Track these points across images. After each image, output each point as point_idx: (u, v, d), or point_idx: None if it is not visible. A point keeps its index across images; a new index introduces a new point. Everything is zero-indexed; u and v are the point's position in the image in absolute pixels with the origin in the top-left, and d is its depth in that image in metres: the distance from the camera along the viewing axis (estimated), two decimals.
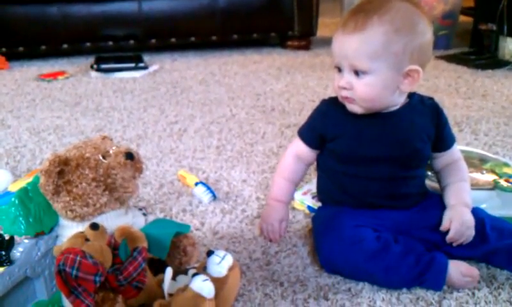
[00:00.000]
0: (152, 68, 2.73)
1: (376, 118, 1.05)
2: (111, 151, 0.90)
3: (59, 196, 0.87)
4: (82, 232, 0.83)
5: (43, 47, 2.90)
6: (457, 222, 1.03)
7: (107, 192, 0.88)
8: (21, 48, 2.87)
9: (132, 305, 0.86)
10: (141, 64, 2.71)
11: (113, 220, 0.89)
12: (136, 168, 0.93)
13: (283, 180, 1.19)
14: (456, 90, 2.32)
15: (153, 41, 3.02)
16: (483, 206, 1.14)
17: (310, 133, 1.14)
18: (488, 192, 1.20)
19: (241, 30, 3.13)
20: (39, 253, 0.89)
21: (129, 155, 0.91)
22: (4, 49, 2.83)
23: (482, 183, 1.24)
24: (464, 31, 3.28)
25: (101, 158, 0.88)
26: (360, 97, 1.01)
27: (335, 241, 1.02)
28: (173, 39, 3.04)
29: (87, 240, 0.82)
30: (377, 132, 1.06)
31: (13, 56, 2.86)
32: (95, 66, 2.67)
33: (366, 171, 1.07)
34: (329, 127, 1.09)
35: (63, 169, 0.86)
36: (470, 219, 1.04)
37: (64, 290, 0.77)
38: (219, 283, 0.89)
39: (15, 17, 2.81)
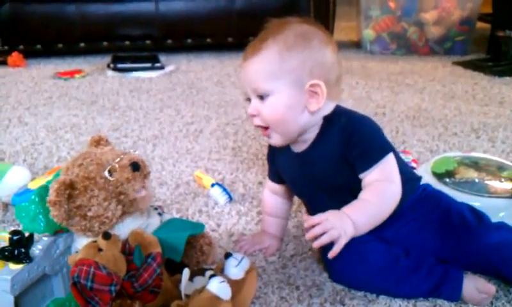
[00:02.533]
0: (168, 69, 2.73)
1: (295, 157, 1.05)
2: (116, 165, 0.87)
3: (73, 220, 0.85)
4: (95, 241, 0.83)
5: (60, 45, 2.92)
6: (324, 215, 0.93)
7: (120, 206, 0.86)
8: (38, 46, 2.90)
9: None
10: (158, 64, 2.72)
11: (129, 224, 0.89)
12: (144, 176, 0.90)
13: (266, 215, 1.19)
14: (472, 97, 2.30)
15: (170, 41, 3.03)
16: (501, 214, 1.13)
17: (270, 167, 1.17)
18: (507, 201, 1.19)
19: (257, 32, 3.10)
20: (58, 251, 0.90)
21: (135, 166, 0.88)
22: (21, 47, 2.86)
23: (501, 191, 1.23)
24: (481, 37, 3.25)
25: (108, 175, 0.85)
26: (266, 120, 1.00)
27: (342, 259, 0.96)
28: (189, 40, 3.05)
29: (100, 249, 0.81)
30: (298, 172, 1.06)
31: (30, 54, 2.89)
32: (112, 65, 2.68)
33: (312, 202, 1.11)
34: (274, 163, 1.14)
35: (70, 194, 0.83)
36: (336, 222, 0.92)
37: (80, 301, 0.78)
38: (236, 285, 0.90)
39: (32, 15, 2.84)
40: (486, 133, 1.85)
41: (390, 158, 0.99)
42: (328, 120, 1.01)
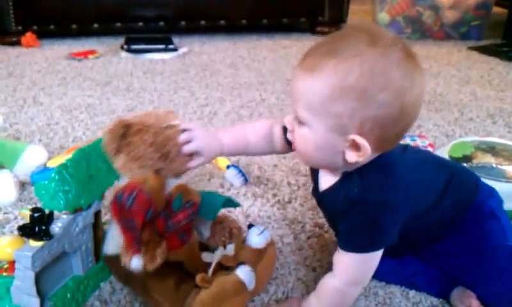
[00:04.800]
0: (181, 50, 2.72)
1: (316, 190, 0.92)
2: (173, 124, 0.92)
3: (119, 156, 0.89)
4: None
5: (74, 26, 2.91)
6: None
7: (161, 160, 0.89)
8: (52, 27, 2.89)
9: (170, 259, 0.88)
10: (171, 46, 2.71)
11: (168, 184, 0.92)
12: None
13: (237, 129, 1.04)
14: (488, 82, 2.28)
15: (183, 23, 3.02)
16: None
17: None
18: None
19: (271, 14, 3.12)
20: (77, 229, 0.90)
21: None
22: (35, 27, 2.85)
23: None
24: (497, 22, 3.22)
25: (162, 127, 0.90)
26: (295, 146, 0.83)
27: None
28: (202, 22, 3.03)
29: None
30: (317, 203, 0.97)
31: (44, 34, 2.88)
32: (125, 46, 2.68)
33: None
34: None
35: (125, 132, 0.88)
36: None
37: (117, 216, 0.83)
38: (258, 254, 0.92)
39: None
40: (502, 119, 1.83)
41: (375, 254, 0.83)
42: (347, 175, 0.83)
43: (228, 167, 1.39)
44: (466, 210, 0.92)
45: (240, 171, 1.36)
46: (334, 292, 0.86)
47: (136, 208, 0.82)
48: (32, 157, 1.30)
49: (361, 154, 0.75)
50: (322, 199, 0.90)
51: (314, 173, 0.91)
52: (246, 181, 1.36)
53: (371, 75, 0.71)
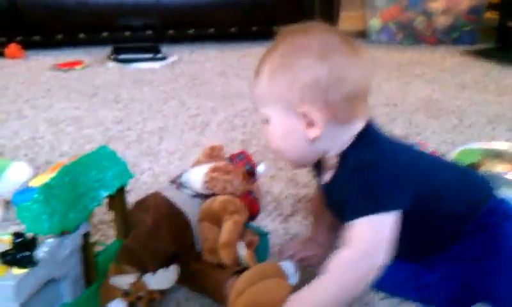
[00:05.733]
0: (170, 59, 2.66)
1: (320, 184, 0.93)
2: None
3: None
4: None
5: (60, 36, 2.84)
6: None
7: None
8: (37, 37, 2.82)
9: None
10: (159, 55, 2.65)
11: None
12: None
13: (313, 219, 1.08)
14: (484, 87, 2.24)
15: (171, 31, 2.96)
16: None
17: None
18: None
19: (261, 22, 3.06)
20: (65, 253, 0.83)
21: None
22: (19, 38, 2.78)
23: None
24: (488, 27, 3.18)
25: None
26: (271, 147, 0.90)
27: None
28: (191, 31, 2.98)
29: None
30: (324, 199, 0.95)
31: (29, 45, 2.81)
32: (113, 56, 2.61)
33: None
34: None
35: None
36: None
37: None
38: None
39: (31, 5, 2.75)
40: (504, 124, 1.78)
41: (384, 219, 0.79)
42: (343, 156, 0.85)
43: None
44: (479, 210, 0.88)
45: None
46: (343, 267, 0.78)
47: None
48: (16, 175, 1.23)
49: (317, 126, 0.81)
50: (329, 189, 0.90)
51: (318, 174, 0.93)
52: None
53: (292, 48, 0.82)
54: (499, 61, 2.64)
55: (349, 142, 0.84)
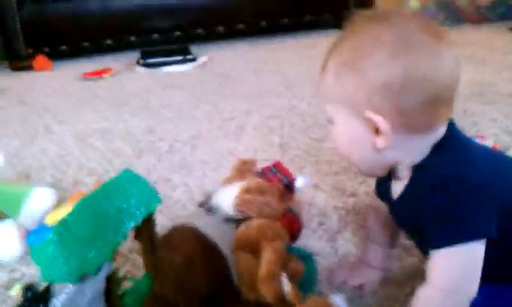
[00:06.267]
0: (200, 60, 2.56)
1: (388, 199, 0.80)
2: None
3: None
4: None
5: (86, 44, 2.76)
6: None
7: None
8: (63, 47, 2.75)
9: None
10: (189, 56, 2.54)
11: None
12: None
13: (368, 240, 0.94)
14: None
15: (199, 31, 2.85)
16: None
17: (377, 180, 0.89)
18: None
19: (291, 13, 2.93)
20: (86, 300, 0.73)
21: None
22: (46, 49, 2.71)
23: None
24: None
25: None
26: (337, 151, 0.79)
27: None
28: (220, 28, 2.86)
29: None
30: (392, 213, 0.83)
31: (56, 56, 2.74)
32: (141, 60, 2.52)
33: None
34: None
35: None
36: None
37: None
38: None
39: (54, 15, 2.67)
40: None
41: (473, 249, 0.67)
42: (419, 168, 0.72)
43: None
44: None
45: None
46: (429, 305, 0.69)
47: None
48: (39, 202, 1.13)
49: (384, 134, 0.69)
50: (399, 206, 0.78)
51: (384, 186, 0.81)
52: None
53: (362, 41, 0.70)
54: None
55: (428, 151, 0.71)
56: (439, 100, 0.69)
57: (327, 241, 1.05)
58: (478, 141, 1.32)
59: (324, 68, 0.74)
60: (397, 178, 0.76)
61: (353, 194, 1.21)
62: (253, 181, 0.89)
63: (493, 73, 1.99)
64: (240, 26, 2.89)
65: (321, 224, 1.11)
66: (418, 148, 0.71)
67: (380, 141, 0.70)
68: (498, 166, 0.75)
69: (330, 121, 0.76)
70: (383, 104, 0.68)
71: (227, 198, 0.87)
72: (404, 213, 0.77)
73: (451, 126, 0.73)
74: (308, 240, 1.05)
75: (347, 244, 1.04)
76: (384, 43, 0.68)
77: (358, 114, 0.70)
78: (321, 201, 1.20)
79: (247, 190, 0.85)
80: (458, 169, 0.69)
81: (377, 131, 0.70)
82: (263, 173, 0.98)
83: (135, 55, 2.65)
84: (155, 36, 2.80)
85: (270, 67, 2.39)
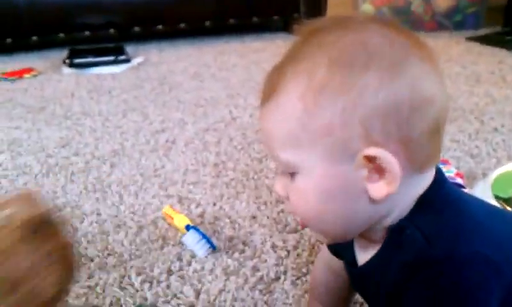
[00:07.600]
0: (135, 61, 2.31)
1: (353, 263, 0.61)
2: None
3: None
4: None
5: (9, 40, 2.48)
6: None
7: None
8: None
9: None
10: (122, 57, 2.29)
11: None
12: None
13: (313, 298, 0.77)
14: (501, 79, 1.92)
15: (137, 29, 2.60)
16: None
17: None
18: None
19: (239, 14, 2.73)
20: None
21: None
22: None
23: None
24: (494, 8, 2.86)
25: None
26: (295, 212, 0.57)
27: None
28: (159, 27, 2.63)
29: None
30: (353, 280, 0.65)
31: None
32: (68, 60, 2.26)
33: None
34: None
35: None
36: None
37: None
38: None
39: None
40: None
41: None
42: (394, 231, 0.53)
43: (187, 228, 0.99)
44: None
45: (204, 236, 0.96)
46: None
47: None
48: None
49: (389, 177, 0.48)
50: (365, 275, 0.58)
51: (345, 246, 0.60)
52: (213, 248, 0.96)
53: (347, 55, 0.49)
54: (511, 46, 2.32)
55: (411, 206, 0.52)
56: (440, 124, 0.51)
57: (261, 292, 0.84)
58: (442, 167, 1.15)
59: (269, 97, 0.52)
60: (369, 241, 0.56)
61: (296, 230, 1.01)
62: None
63: (452, 86, 1.83)
64: (182, 25, 2.66)
65: (256, 269, 0.90)
66: (410, 195, 0.52)
67: (381, 188, 0.49)
68: (504, 231, 0.54)
69: (290, 174, 0.53)
70: (387, 134, 0.48)
71: None
72: (370, 282, 0.57)
73: (439, 172, 0.54)
74: (239, 292, 0.84)
75: (283, 297, 0.83)
76: (379, 55, 0.49)
77: (344, 154, 0.49)
78: (258, 237, 0.99)
79: None
80: (458, 242, 0.49)
81: (376, 172, 0.49)
82: None
83: (63, 54, 2.38)
84: (87, 33, 2.54)
85: (212, 72, 2.18)
